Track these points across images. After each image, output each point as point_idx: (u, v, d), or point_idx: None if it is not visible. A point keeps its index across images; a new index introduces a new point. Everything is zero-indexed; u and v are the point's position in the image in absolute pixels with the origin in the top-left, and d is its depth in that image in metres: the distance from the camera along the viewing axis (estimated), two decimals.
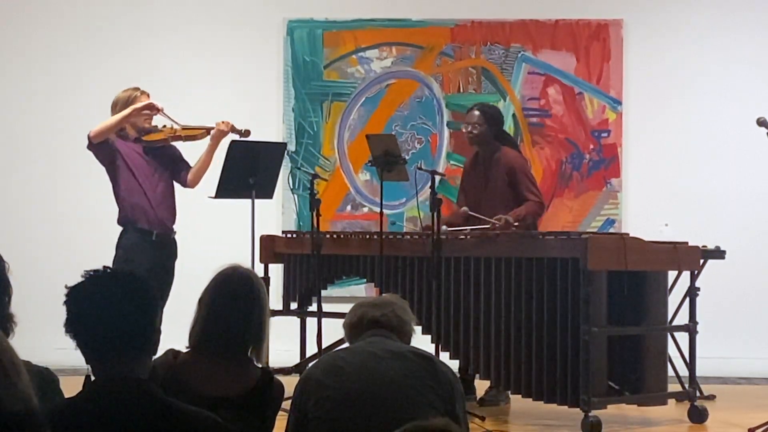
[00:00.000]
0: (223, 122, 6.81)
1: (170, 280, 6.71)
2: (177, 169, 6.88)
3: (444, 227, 6.84)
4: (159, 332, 2.71)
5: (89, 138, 6.71)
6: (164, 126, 6.86)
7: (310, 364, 3.78)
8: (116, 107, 6.79)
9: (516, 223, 6.92)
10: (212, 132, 6.80)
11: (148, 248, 6.69)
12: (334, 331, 5.61)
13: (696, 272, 6.95)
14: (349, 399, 3.45)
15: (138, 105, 6.72)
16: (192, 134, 6.81)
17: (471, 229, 6.95)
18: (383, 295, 4.38)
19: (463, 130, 7.42)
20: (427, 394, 3.46)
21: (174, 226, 6.86)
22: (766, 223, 8.98)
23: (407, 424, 2.22)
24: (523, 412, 6.91)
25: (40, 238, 9.06)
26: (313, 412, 3.48)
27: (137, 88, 6.87)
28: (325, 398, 3.47)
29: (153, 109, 6.76)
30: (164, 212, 6.79)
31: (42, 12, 9.27)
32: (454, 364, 6.71)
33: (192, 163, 6.90)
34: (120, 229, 6.76)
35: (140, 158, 6.79)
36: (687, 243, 6.79)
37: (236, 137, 6.83)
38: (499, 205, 7.11)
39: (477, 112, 7.27)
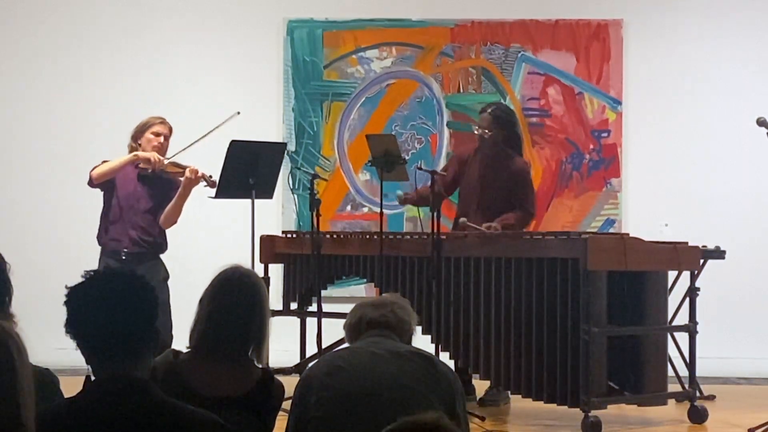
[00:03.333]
0: (190, 170, 6.74)
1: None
2: (161, 205, 6.87)
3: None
4: (159, 332, 2.71)
5: (91, 177, 6.76)
6: (159, 158, 6.85)
7: (310, 364, 3.77)
8: (135, 128, 6.90)
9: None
10: (182, 178, 6.78)
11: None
12: (334, 331, 5.61)
13: (696, 272, 6.96)
14: (350, 399, 3.45)
15: (142, 154, 6.74)
16: (171, 170, 6.83)
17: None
18: (384, 294, 4.34)
19: (474, 132, 7.36)
20: (427, 394, 3.47)
21: (159, 251, 6.84)
22: (766, 223, 8.98)
23: (399, 420, 2.22)
24: (523, 412, 6.91)
25: (41, 238, 9.05)
26: (314, 412, 3.48)
27: (161, 118, 6.92)
28: (326, 398, 3.47)
29: (149, 163, 6.73)
30: (140, 234, 6.78)
31: (40, 12, 9.26)
32: (454, 365, 6.72)
33: None
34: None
35: (131, 181, 6.82)
36: (687, 243, 6.79)
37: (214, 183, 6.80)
38: (495, 207, 7.11)
39: (489, 116, 7.23)
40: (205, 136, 6.90)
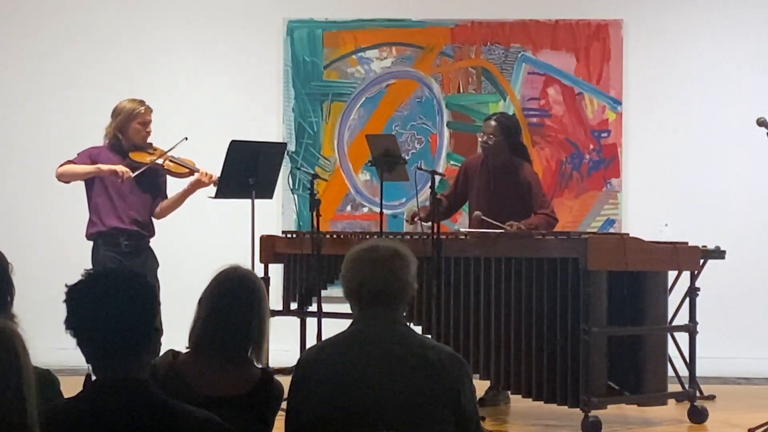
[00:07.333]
0: (207, 174, 6.78)
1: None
2: (154, 197, 6.86)
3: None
4: (159, 332, 2.71)
5: (56, 176, 6.73)
6: (155, 149, 6.82)
7: (304, 357, 3.76)
8: (118, 116, 6.79)
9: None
10: (193, 178, 6.80)
11: (112, 258, 6.66)
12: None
13: (696, 272, 6.96)
14: (349, 399, 3.44)
15: (105, 168, 6.65)
16: (176, 170, 6.81)
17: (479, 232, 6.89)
18: (375, 240, 3.71)
19: (479, 139, 7.30)
20: (428, 393, 3.46)
21: (146, 238, 6.81)
22: (766, 223, 8.98)
23: None
24: (523, 412, 6.91)
25: (40, 238, 9.05)
26: (313, 412, 3.47)
27: (143, 102, 6.82)
28: (324, 398, 3.46)
29: (116, 175, 6.65)
30: (135, 224, 6.75)
31: (39, 10, 9.26)
32: None
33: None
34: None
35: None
36: (687, 243, 6.79)
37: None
38: (507, 215, 7.01)
39: (494, 123, 7.16)
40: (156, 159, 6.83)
